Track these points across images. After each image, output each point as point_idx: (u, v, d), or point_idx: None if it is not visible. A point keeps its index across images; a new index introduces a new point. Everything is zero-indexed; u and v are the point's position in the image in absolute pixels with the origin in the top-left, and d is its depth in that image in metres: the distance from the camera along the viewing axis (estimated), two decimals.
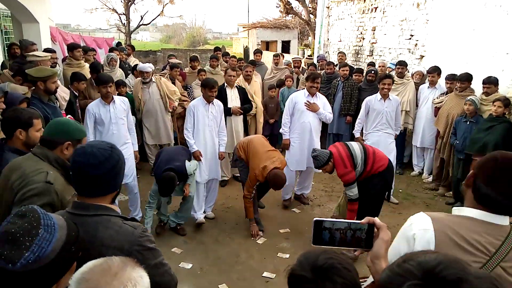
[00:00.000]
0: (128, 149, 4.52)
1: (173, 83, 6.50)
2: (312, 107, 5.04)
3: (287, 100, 5.28)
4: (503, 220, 1.34)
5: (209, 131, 4.74)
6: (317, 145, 5.19)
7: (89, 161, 1.51)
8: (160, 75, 6.52)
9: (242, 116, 5.73)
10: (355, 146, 4.01)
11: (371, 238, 1.16)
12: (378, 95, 5.36)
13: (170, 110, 6.05)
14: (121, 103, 4.48)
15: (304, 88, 5.60)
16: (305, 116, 5.04)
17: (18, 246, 1.09)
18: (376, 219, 1.15)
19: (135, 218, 1.66)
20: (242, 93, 5.67)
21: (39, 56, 4.87)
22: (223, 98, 5.37)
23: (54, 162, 2.08)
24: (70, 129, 2.17)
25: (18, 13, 8.42)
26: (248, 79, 6.34)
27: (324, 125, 7.04)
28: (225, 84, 5.53)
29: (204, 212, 4.95)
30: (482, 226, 1.32)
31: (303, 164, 5.16)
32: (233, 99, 5.52)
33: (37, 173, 2.00)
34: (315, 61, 9.35)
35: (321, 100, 5.19)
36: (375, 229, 1.17)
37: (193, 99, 6.67)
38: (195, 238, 4.50)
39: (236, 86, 5.62)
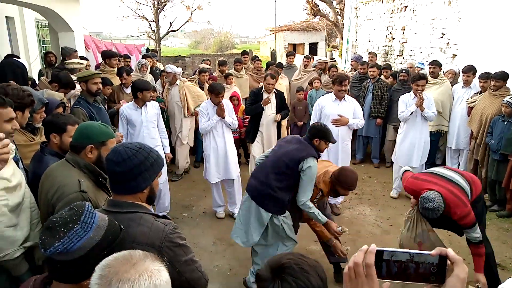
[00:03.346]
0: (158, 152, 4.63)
1: (202, 87, 6.60)
2: (340, 122, 4.78)
3: (314, 105, 5.13)
4: None
5: (217, 132, 4.78)
6: (346, 153, 4.99)
7: (113, 158, 1.62)
8: (190, 80, 6.64)
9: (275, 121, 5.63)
10: (449, 172, 3.21)
11: (444, 272, 0.97)
12: (411, 94, 5.28)
13: (187, 115, 6.07)
14: (152, 107, 4.62)
15: (329, 91, 5.53)
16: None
17: (54, 235, 1.18)
18: (450, 251, 0.97)
19: (166, 216, 1.73)
20: (280, 98, 5.57)
21: (81, 64, 5.21)
22: (259, 102, 5.39)
23: (84, 168, 2.14)
24: (92, 132, 2.19)
25: (54, 22, 8.79)
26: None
27: None
28: (263, 89, 5.49)
29: (233, 214, 5.01)
30: None
31: None
32: (269, 105, 5.46)
33: (68, 182, 2.06)
34: (345, 62, 9.26)
35: (350, 105, 4.89)
36: (448, 262, 0.97)
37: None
38: (224, 239, 4.54)
39: (274, 91, 5.52)
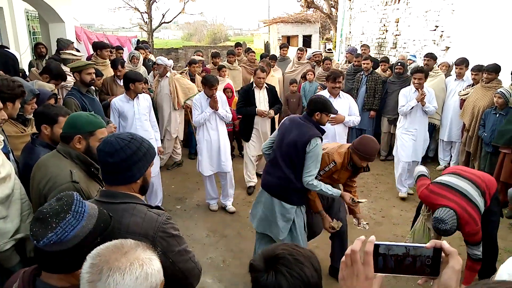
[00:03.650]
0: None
1: (193, 79, 6.55)
2: (336, 121, 4.52)
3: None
4: None
5: (211, 125, 4.73)
6: None
7: (106, 149, 1.60)
8: (181, 73, 6.59)
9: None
10: (463, 185, 3.16)
11: (438, 264, 0.99)
12: (412, 88, 5.20)
13: (177, 108, 6.00)
14: (144, 99, 4.55)
15: (323, 84, 5.44)
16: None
17: (46, 226, 1.16)
18: (444, 243, 0.97)
19: (160, 206, 1.74)
20: (272, 93, 5.42)
21: (74, 55, 5.15)
22: (250, 100, 5.28)
23: (76, 159, 2.13)
24: (79, 122, 2.17)
25: (45, 13, 8.66)
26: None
27: None
28: (254, 85, 5.34)
29: (225, 207, 5.02)
30: None
31: None
32: (261, 101, 5.33)
33: (60, 172, 2.05)
34: (339, 54, 9.25)
35: (345, 101, 4.68)
36: (443, 255, 0.99)
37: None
38: (217, 231, 4.55)
39: (265, 86, 5.38)
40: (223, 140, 4.84)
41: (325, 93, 4.80)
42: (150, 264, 1.05)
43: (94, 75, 4.22)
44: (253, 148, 5.42)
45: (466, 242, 3.20)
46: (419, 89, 5.03)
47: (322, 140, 3.24)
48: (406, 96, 5.22)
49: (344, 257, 0.98)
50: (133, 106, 4.43)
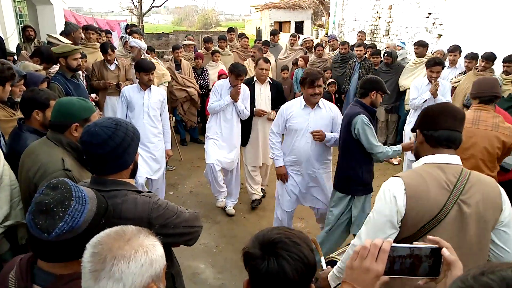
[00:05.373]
0: (157, 145, 4.11)
1: (178, 65, 6.46)
2: (319, 137, 3.34)
3: (278, 113, 3.65)
4: (455, 160, 1.61)
5: (225, 117, 4.34)
6: (325, 182, 3.57)
7: (93, 140, 1.52)
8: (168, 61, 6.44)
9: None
10: None
11: (438, 264, 0.99)
12: (425, 80, 4.89)
13: None
14: (157, 93, 4.16)
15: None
16: (303, 137, 3.43)
17: (53, 216, 1.12)
18: (444, 251, 0.98)
19: (150, 191, 1.73)
20: (276, 91, 4.65)
21: (60, 40, 5.06)
22: (250, 96, 4.52)
23: (67, 146, 2.08)
24: (74, 110, 2.08)
25: None
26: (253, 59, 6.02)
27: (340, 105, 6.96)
28: (255, 78, 4.58)
29: (225, 207, 4.67)
30: (440, 168, 1.59)
31: (300, 201, 3.72)
32: (262, 99, 4.58)
33: (51, 160, 2.00)
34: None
35: (327, 114, 3.45)
36: (444, 258, 0.99)
37: (209, 80, 6.68)
38: (210, 217, 4.56)
39: (268, 81, 4.62)
40: (236, 137, 4.43)
41: (298, 102, 3.50)
42: (154, 250, 1.04)
43: (80, 61, 4.13)
44: (250, 156, 4.72)
45: None
46: (434, 81, 4.70)
47: (372, 119, 3.12)
48: (418, 89, 4.92)
49: (360, 248, 0.98)
50: (142, 98, 4.02)
